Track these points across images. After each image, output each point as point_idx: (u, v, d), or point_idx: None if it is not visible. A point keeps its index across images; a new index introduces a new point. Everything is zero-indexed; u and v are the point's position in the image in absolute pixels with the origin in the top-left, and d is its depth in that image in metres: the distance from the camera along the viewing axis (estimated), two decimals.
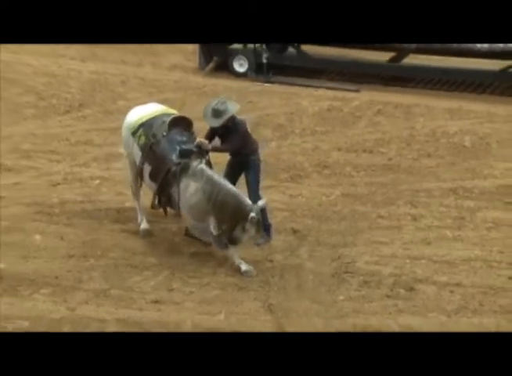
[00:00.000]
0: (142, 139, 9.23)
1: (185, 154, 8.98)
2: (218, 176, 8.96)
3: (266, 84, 13.01)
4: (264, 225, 9.06)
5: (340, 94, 12.67)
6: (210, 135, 9.24)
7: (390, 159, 11.12)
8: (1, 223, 9.57)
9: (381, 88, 12.84)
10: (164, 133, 9.11)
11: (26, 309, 8.31)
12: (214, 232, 8.84)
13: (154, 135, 9.16)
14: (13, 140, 11.37)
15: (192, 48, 13.46)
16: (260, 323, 8.20)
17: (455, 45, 12.76)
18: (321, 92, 12.78)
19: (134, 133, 9.31)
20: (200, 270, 8.89)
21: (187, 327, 8.12)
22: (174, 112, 9.50)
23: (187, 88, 12.83)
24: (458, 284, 8.72)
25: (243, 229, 8.78)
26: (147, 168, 9.19)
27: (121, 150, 9.74)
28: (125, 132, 9.43)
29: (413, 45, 12.90)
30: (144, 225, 9.44)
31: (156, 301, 8.45)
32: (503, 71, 12.79)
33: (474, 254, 9.16)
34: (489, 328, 8.11)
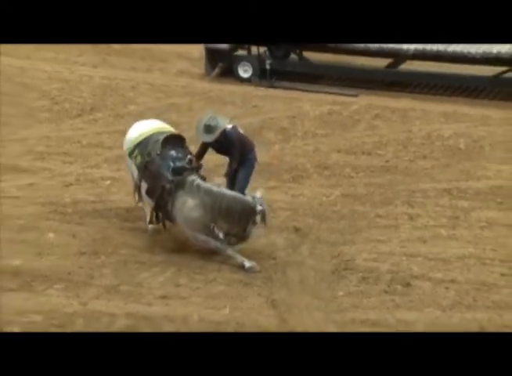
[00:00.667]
0: (138, 158, 9.19)
1: (178, 171, 8.97)
2: (215, 186, 8.97)
3: (269, 89, 13.01)
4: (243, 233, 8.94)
5: (339, 98, 12.68)
6: (202, 151, 9.24)
7: (387, 161, 11.11)
8: (17, 222, 9.57)
9: (379, 93, 12.84)
10: (158, 152, 9.06)
11: (40, 304, 8.30)
12: (222, 236, 8.86)
13: (149, 154, 9.10)
14: (28, 143, 11.38)
15: (199, 55, 13.47)
16: (263, 317, 8.18)
17: (450, 52, 12.77)
18: (321, 96, 12.78)
19: (130, 154, 9.28)
20: (205, 267, 8.88)
21: (194, 321, 8.11)
22: (170, 129, 9.42)
23: (194, 93, 12.83)
24: (452, 281, 8.70)
25: (254, 223, 8.81)
26: (144, 186, 9.16)
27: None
28: (126, 153, 9.42)
29: (410, 52, 12.91)
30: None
31: (164, 297, 8.43)
32: (496, 77, 12.79)
33: (468, 252, 9.14)
34: (482, 323, 8.10)
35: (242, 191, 9.17)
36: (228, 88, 12.98)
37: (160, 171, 9.01)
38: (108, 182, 10.48)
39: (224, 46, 13.27)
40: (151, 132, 9.30)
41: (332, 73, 13.28)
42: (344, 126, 11.97)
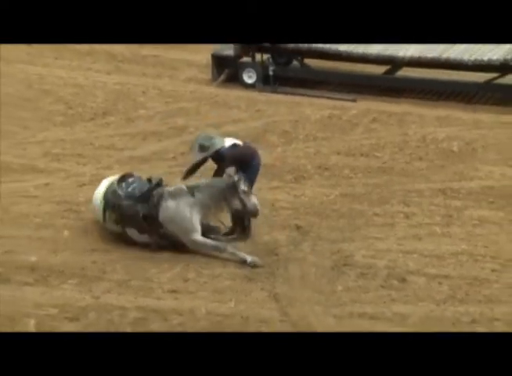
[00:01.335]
0: (112, 216, 8.99)
1: (144, 197, 8.85)
2: (190, 184, 8.88)
3: (273, 94, 12.98)
4: (248, 208, 8.82)
5: (339, 103, 12.64)
6: (200, 163, 9.11)
7: (384, 162, 11.08)
8: (34, 220, 9.57)
9: (376, 98, 12.80)
10: (121, 194, 8.91)
11: (55, 297, 8.29)
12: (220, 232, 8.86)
13: (115, 205, 8.92)
14: (45, 145, 11.37)
15: (206, 62, 13.45)
16: (266, 310, 8.16)
17: (444, 59, 12.74)
18: (322, 101, 12.75)
19: (104, 220, 9.07)
20: (212, 263, 8.85)
21: (201, 314, 8.09)
22: (115, 177, 9.19)
23: (201, 98, 12.81)
24: (446, 276, 8.66)
25: (245, 193, 8.73)
26: (131, 231, 8.97)
27: None
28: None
29: (406, 59, 12.88)
30: None
31: (172, 291, 8.41)
32: (488, 83, 12.75)
33: (461, 249, 9.11)
34: (474, 316, 8.07)
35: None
36: (234, 93, 12.95)
37: (132, 206, 8.83)
38: None
39: (230, 54, 13.25)
40: (106, 189, 9.07)
41: (332, 79, 13.24)
42: (344, 129, 11.94)
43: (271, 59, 13.36)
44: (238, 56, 13.31)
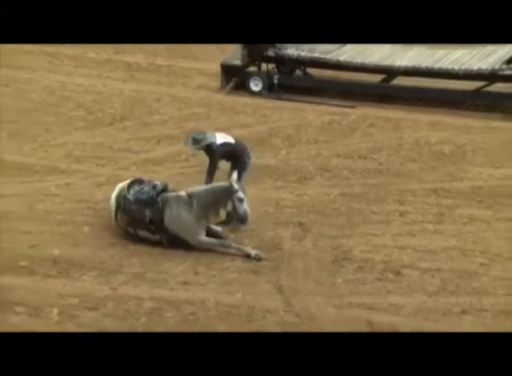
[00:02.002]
0: (124, 218, 9.01)
1: (150, 202, 8.84)
2: (191, 189, 8.90)
3: (277, 101, 12.98)
4: (239, 215, 8.79)
5: (338, 109, 12.62)
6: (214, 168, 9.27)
7: (381, 164, 11.06)
8: (56, 217, 9.57)
9: (374, 105, 12.77)
10: (130, 198, 8.92)
11: (76, 288, 8.30)
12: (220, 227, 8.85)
13: (125, 209, 8.94)
14: (66, 147, 11.37)
15: (216, 71, 13.45)
16: (271, 301, 8.16)
17: (436, 69, 12.73)
18: (323, 107, 12.72)
19: (116, 219, 9.09)
20: (220, 257, 8.84)
21: (211, 304, 8.09)
22: (124, 184, 9.18)
23: (211, 104, 12.80)
24: (438, 269, 8.65)
25: (239, 200, 8.69)
26: (141, 232, 8.96)
27: None
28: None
29: (401, 69, 12.86)
30: None
31: (184, 283, 8.41)
32: (476, 91, 12.73)
33: (452, 245, 9.09)
34: (464, 307, 8.05)
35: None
36: (241, 100, 12.94)
37: (140, 209, 8.84)
38: None
39: (237, 63, 13.25)
40: (116, 195, 9.10)
41: (332, 87, 13.22)
42: (343, 133, 11.92)
43: (275, 69, 13.37)
44: (245, 66, 13.31)
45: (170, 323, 7.81)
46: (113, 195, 9.17)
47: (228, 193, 8.76)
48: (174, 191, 9.01)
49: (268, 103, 12.90)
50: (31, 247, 8.94)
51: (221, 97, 13.06)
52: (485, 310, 8.01)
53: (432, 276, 8.56)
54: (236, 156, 9.31)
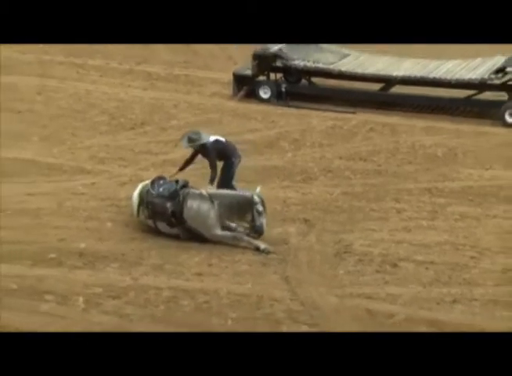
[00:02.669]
0: (145, 211, 9.05)
1: (172, 195, 8.87)
2: (215, 190, 8.93)
3: (285, 108, 12.99)
4: (256, 226, 8.79)
5: (341, 115, 12.62)
6: (191, 158, 9.36)
7: (379, 165, 11.06)
8: (82, 213, 9.61)
9: (373, 111, 12.76)
10: (153, 193, 8.96)
11: (100, 279, 8.34)
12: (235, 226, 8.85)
13: (148, 202, 8.97)
14: (92, 150, 11.41)
15: (228, 80, 13.47)
16: (278, 291, 8.18)
17: (431, 78, 12.73)
18: (326, 113, 12.73)
19: (138, 214, 9.11)
20: (232, 250, 8.87)
21: (223, 293, 8.11)
22: (146, 182, 9.22)
23: (224, 111, 12.82)
24: (431, 262, 8.65)
25: (258, 213, 8.72)
26: (161, 225, 8.96)
27: None
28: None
29: (399, 78, 12.86)
30: None
31: (199, 274, 8.44)
32: (467, 99, 12.73)
33: (444, 239, 9.09)
34: (455, 296, 8.06)
35: (228, 182, 9.17)
36: (252, 107, 12.96)
37: (162, 203, 8.85)
38: None
39: (248, 73, 13.27)
40: (139, 193, 9.13)
41: (335, 95, 13.21)
42: (345, 137, 11.92)
43: (283, 78, 13.39)
44: (255, 75, 13.33)
45: (185, 310, 7.84)
46: (135, 193, 9.21)
47: (250, 203, 8.78)
48: (194, 188, 9.04)
49: (277, 110, 12.91)
50: (60, 240, 8.98)
51: (233, 104, 13.07)
52: (475, 300, 8.01)
53: (426, 268, 8.57)
54: (227, 155, 9.30)
